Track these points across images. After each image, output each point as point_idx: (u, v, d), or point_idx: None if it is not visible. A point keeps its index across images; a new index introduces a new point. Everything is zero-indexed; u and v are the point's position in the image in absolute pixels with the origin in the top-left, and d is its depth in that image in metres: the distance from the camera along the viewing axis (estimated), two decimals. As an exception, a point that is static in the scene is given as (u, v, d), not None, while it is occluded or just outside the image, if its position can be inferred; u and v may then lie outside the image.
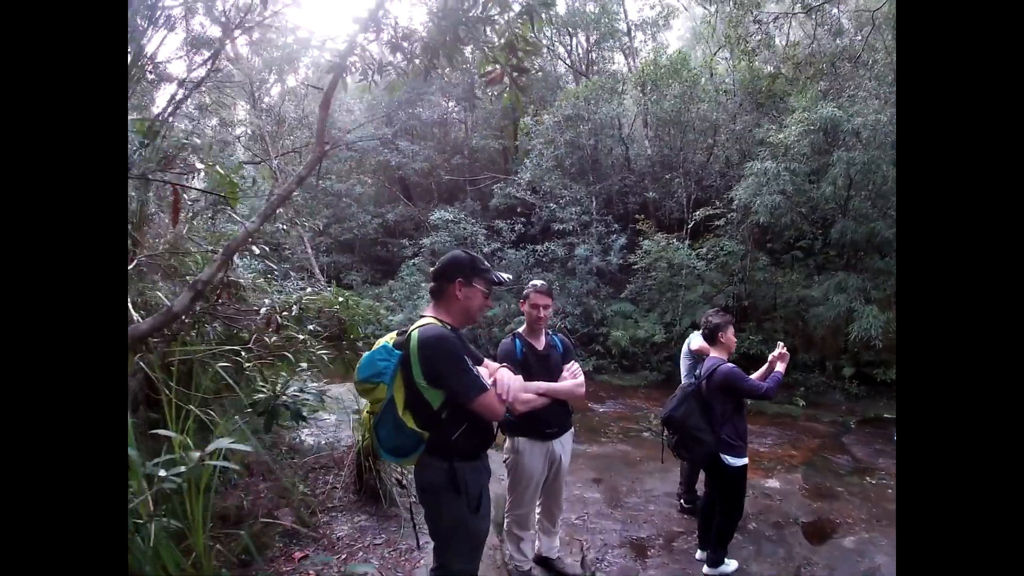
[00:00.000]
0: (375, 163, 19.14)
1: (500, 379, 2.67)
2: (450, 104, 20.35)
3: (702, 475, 5.69)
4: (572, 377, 3.76)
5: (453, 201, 18.03)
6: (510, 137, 18.23)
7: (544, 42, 19.99)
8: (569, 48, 19.61)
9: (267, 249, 4.83)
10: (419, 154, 18.47)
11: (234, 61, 20.37)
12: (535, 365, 3.81)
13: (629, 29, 18.35)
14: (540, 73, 19.93)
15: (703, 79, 13.91)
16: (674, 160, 14.27)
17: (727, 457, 4.19)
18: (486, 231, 15.15)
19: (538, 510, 4.26)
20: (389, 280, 16.87)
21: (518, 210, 15.52)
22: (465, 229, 15.00)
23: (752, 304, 12.37)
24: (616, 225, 13.90)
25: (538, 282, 4.02)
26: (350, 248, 19.48)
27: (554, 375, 3.78)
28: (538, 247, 14.19)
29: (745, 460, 4.25)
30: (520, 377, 3.65)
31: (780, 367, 4.36)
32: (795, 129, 10.91)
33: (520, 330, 4.04)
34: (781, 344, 4.50)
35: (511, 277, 3.08)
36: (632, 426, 9.28)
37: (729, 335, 4.41)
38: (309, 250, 17.08)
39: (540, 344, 3.96)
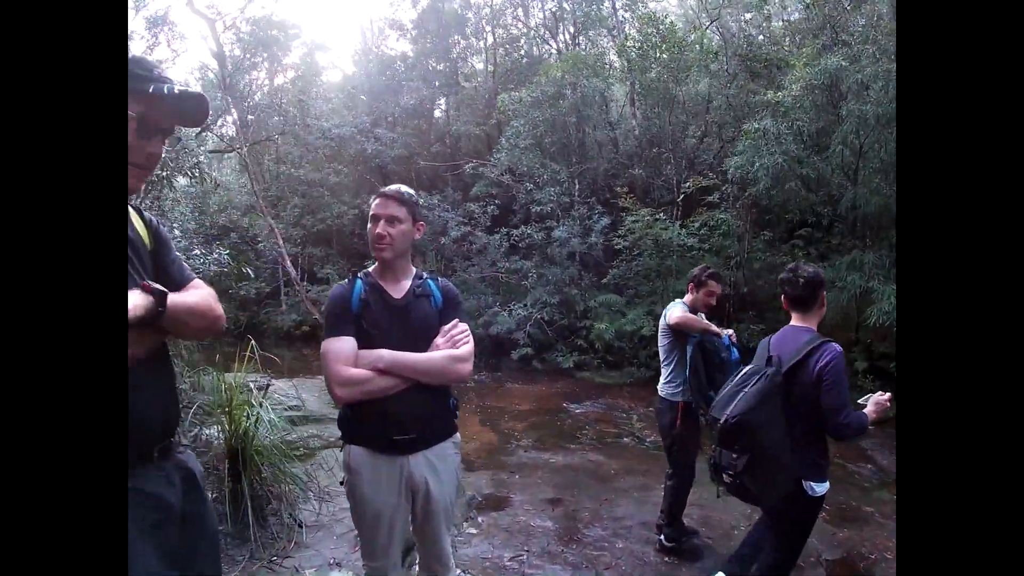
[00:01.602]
0: (354, 152, 17.56)
1: None
2: (435, 87, 18.68)
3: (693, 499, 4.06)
4: (449, 345, 2.26)
5: (432, 190, 16.35)
6: (493, 123, 16.60)
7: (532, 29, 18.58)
8: (555, 33, 18.01)
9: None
10: (397, 141, 16.85)
11: (220, 57, 19.02)
12: (385, 322, 2.24)
13: (615, 9, 16.69)
14: (526, 60, 18.40)
15: (693, 48, 12.10)
16: (663, 136, 12.54)
17: (813, 484, 2.69)
18: (462, 217, 13.43)
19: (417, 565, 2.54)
20: (365, 274, 15.18)
21: (493, 193, 13.82)
22: (440, 217, 13.31)
23: (751, 291, 10.61)
24: (600, 208, 12.14)
25: (391, 187, 2.34)
26: (326, 240, 17.85)
27: (419, 340, 2.26)
28: (514, 231, 12.44)
29: (827, 484, 2.75)
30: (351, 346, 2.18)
31: (871, 409, 2.66)
32: (795, 87, 9.18)
33: (371, 269, 2.38)
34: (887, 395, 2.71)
35: (195, 91, 1.42)
36: (610, 430, 7.54)
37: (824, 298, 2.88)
38: (280, 242, 15.42)
39: (398, 290, 2.31)
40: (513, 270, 12.32)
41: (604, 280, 11.38)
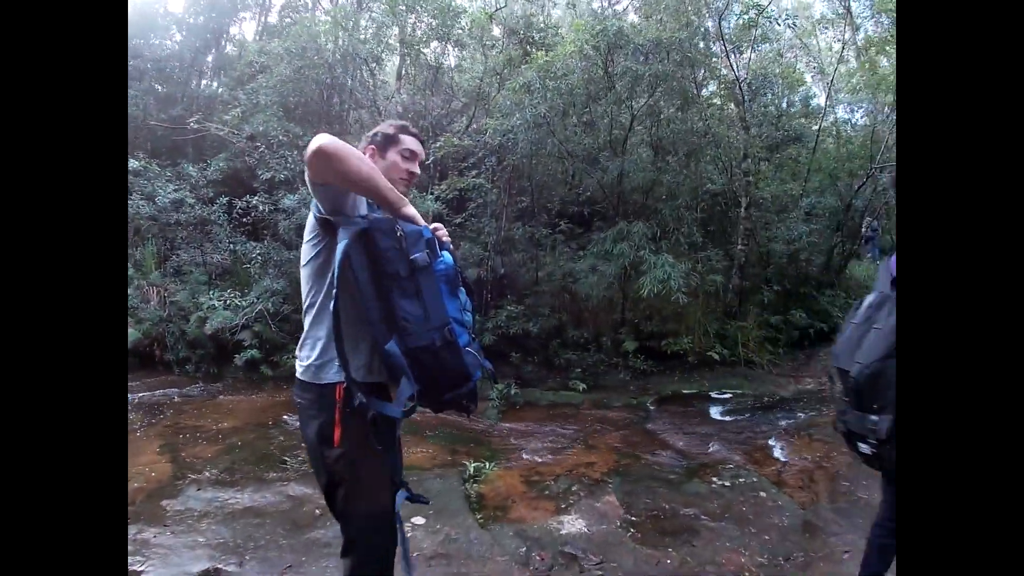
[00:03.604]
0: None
1: None
2: (194, 44, 14.68)
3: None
4: None
5: (166, 159, 12.32)
6: (237, 76, 13.28)
7: None
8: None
9: None
10: (132, 99, 12.53)
11: None
12: None
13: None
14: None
15: (468, 18, 10.40)
16: (427, 111, 10.58)
17: None
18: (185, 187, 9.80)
19: None
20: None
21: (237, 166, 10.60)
22: (160, 189, 9.48)
23: (511, 275, 9.03)
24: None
25: None
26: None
27: None
28: (236, 201, 9.33)
29: None
30: None
31: None
32: (567, 48, 7.87)
33: None
34: None
35: None
36: (334, 445, 5.14)
37: None
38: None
39: None
40: (236, 253, 9.29)
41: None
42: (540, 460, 4.44)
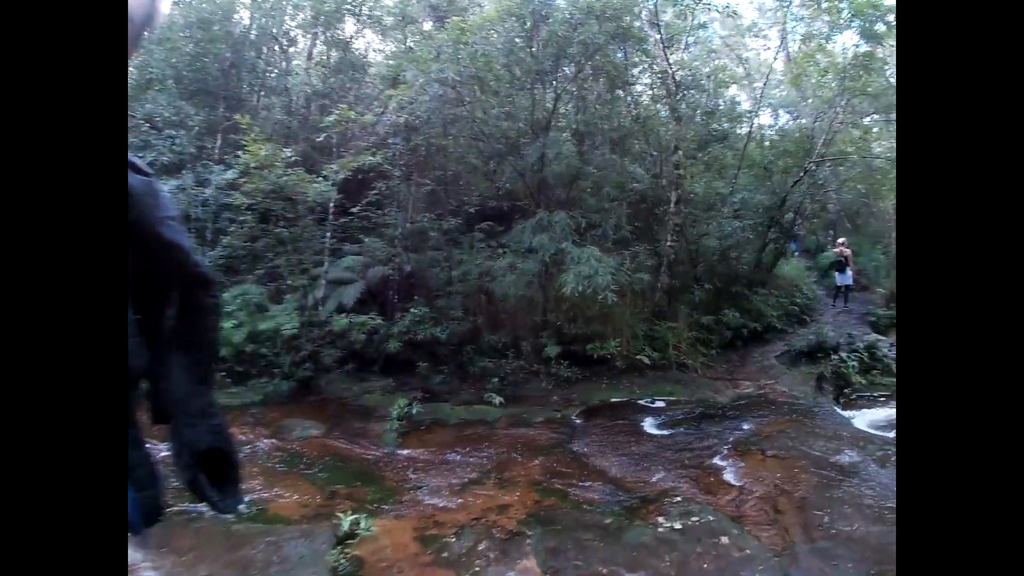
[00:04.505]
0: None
1: None
2: None
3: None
4: None
5: None
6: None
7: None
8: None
9: None
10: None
11: None
12: None
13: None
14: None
15: None
16: (335, 91, 9.38)
17: None
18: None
19: None
20: None
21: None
22: None
23: (418, 274, 7.98)
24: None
25: None
26: None
27: None
28: None
29: None
30: None
31: None
32: (489, 15, 6.99)
33: None
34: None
35: None
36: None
37: None
38: None
39: None
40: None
41: (215, 251, 7.39)
42: (441, 504, 3.43)
